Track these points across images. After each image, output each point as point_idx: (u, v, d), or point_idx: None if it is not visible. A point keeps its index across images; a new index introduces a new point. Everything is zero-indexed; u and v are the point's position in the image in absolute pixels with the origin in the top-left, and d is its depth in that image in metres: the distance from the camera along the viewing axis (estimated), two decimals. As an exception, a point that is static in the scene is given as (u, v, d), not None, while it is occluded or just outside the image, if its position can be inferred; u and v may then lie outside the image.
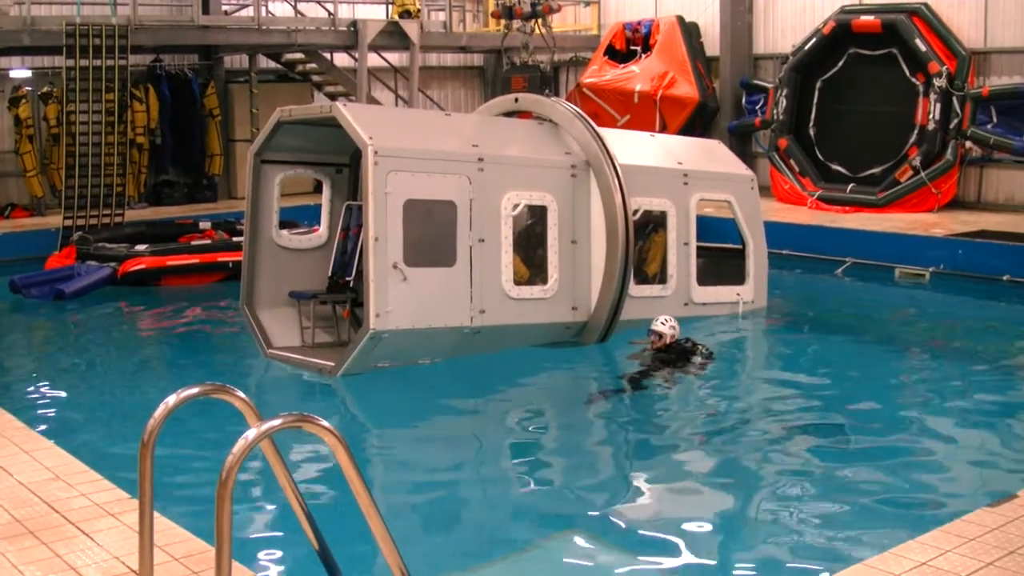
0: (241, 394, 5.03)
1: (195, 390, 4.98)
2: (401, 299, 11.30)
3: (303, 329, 12.76)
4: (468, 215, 11.89)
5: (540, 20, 23.31)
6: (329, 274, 12.92)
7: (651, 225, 13.66)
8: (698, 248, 13.95)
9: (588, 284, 12.79)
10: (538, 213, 12.65)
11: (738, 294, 14.29)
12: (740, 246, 14.56)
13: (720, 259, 14.82)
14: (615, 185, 12.70)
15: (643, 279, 13.46)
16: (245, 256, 12.78)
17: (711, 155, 15.22)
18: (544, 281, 12.52)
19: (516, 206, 12.33)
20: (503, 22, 23.51)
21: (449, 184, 11.82)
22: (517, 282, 12.30)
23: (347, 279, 12.67)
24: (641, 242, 13.46)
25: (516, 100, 14.16)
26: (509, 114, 14.09)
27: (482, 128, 13.09)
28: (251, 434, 4.30)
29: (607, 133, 13.49)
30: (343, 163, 13.46)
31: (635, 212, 13.03)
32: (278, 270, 12.89)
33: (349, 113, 11.61)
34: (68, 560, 5.77)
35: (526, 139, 13.09)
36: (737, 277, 14.40)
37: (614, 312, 12.74)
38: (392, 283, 11.24)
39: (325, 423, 4.42)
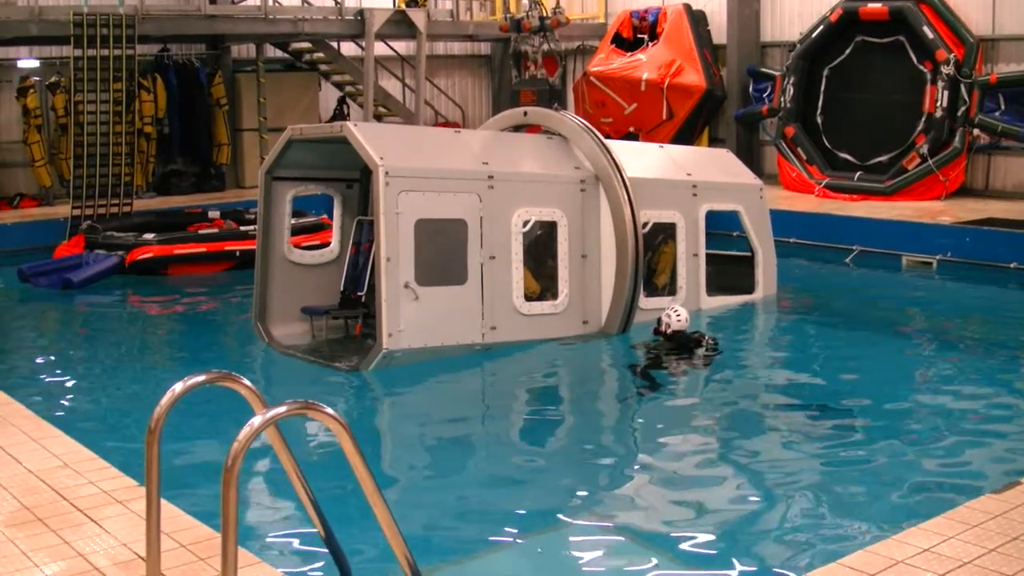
0: (247, 382, 5.06)
1: (201, 378, 5.00)
2: (413, 318, 11.39)
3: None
4: (479, 233, 11.95)
5: (548, 34, 23.37)
6: (341, 289, 13.02)
7: (660, 237, 13.63)
8: (707, 256, 13.94)
9: (598, 297, 12.82)
10: (548, 228, 12.64)
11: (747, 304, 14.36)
12: (749, 254, 14.60)
13: (730, 268, 14.79)
14: (624, 199, 12.72)
15: (653, 291, 13.41)
16: (257, 272, 12.81)
17: (719, 165, 15.19)
18: (555, 296, 12.56)
19: (526, 222, 12.36)
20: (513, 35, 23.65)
21: (459, 202, 11.88)
22: (528, 298, 12.35)
23: (359, 294, 12.78)
24: (650, 254, 13.44)
25: (525, 114, 14.20)
26: (518, 128, 14.13)
27: (491, 145, 13.08)
28: (256, 421, 4.32)
29: (616, 146, 13.52)
30: (353, 178, 13.48)
31: (644, 225, 13.03)
32: (290, 286, 12.93)
33: (360, 133, 11.67)
34: (76, 547, 5.81)
35: (535, 155, 13.11)
36: (746, 286, 14.45)
37: (624, 325, 12.77)
38: (404, 302, 11.33)
39: (330, 410, 4.45)
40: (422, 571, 4.81)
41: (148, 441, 4.96)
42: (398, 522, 4.64)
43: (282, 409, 4.41)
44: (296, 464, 5.18)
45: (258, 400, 5.04)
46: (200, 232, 17.81)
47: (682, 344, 11.75)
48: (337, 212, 13.59)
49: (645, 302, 13.04)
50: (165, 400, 4.92)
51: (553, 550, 7.27)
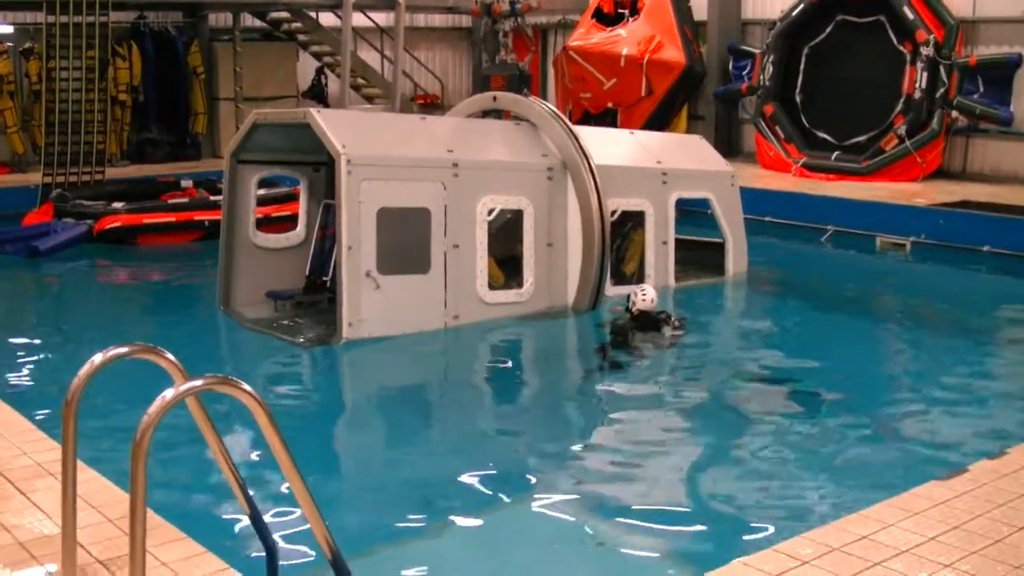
0: (170, 356, 4.94)
1: (123, 349, 4.92)
2: (374, 307, 11.28)
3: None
4: (443, 221, 11.81)
5: (519, 18, 23.23)
6: (307, 273, 12.88)
7: (629, 225, 13.53)
8: (677, 241, 13.83)
9: (564, 286, 12.72)
10: (514, 216, 12.51)
11: None
12: (720, 240, 14.50)
13: (700, 253, 14.68)
14: (591, 187, 12.58)
15: (621, 279, 13.32)
16: (221, 256, 12.65)
17: (691, 152, 15.05)
18: (520, 284, 12.46)
19: (491, 211, 12.23)
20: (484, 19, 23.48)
21: (423, 191, 11.74)
22: (492, 286, 12.23)
23: (324, 279, 12.62)
24: (619, 241, 13.36)
25: (495, 99, 14.08)
26: (488, 113, 13.95)
27: (458, 132, 12.95)
28: (168, 394, 4.21)
29: (585, 132, 13.41)
30: (320, 161, 13.25)
31: (613, 213, 12.92)
32: (255, 270, 12.79)
33: (323, 120, 11.53)
34: (1, 519, 5.70)
35: (503, 142, 12.98)
36: (716, 274, 14.36)
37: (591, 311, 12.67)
38: (365, 291, 11.21)
39: (246, 386, 4.35)
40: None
41: (64, 414, 4.86)
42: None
43: (197, 383, 4.32)
44: (221, 441, 5.07)
45: (180, 374, 4.93)
46: (170, 202, 17.64)
47: (647, 323, 11.66)
48: (304, 196, 13.40)
49: (613, 290, 12.92)
50: (83, 371, 4.83)
51: (502, 529, 7.17)
